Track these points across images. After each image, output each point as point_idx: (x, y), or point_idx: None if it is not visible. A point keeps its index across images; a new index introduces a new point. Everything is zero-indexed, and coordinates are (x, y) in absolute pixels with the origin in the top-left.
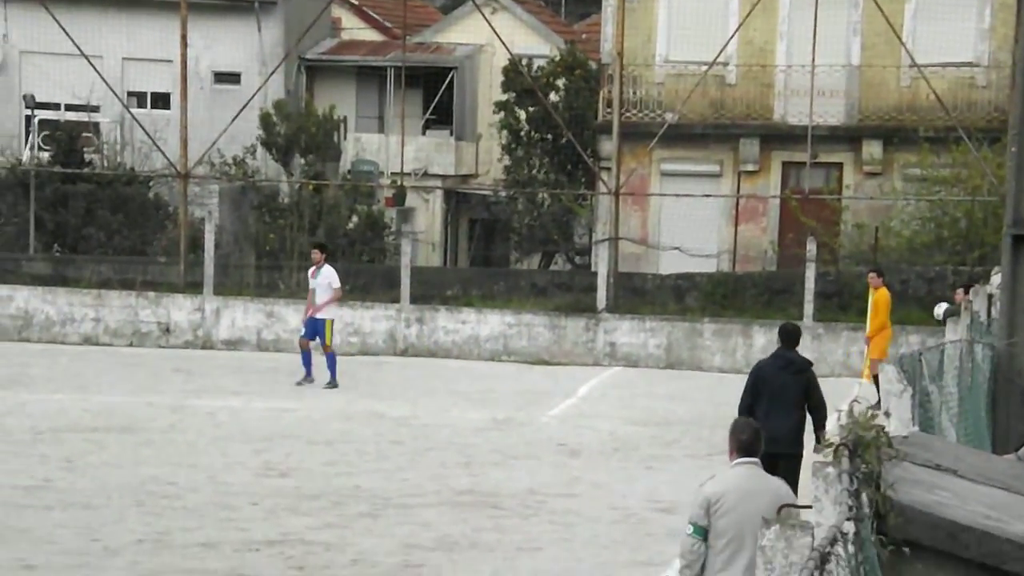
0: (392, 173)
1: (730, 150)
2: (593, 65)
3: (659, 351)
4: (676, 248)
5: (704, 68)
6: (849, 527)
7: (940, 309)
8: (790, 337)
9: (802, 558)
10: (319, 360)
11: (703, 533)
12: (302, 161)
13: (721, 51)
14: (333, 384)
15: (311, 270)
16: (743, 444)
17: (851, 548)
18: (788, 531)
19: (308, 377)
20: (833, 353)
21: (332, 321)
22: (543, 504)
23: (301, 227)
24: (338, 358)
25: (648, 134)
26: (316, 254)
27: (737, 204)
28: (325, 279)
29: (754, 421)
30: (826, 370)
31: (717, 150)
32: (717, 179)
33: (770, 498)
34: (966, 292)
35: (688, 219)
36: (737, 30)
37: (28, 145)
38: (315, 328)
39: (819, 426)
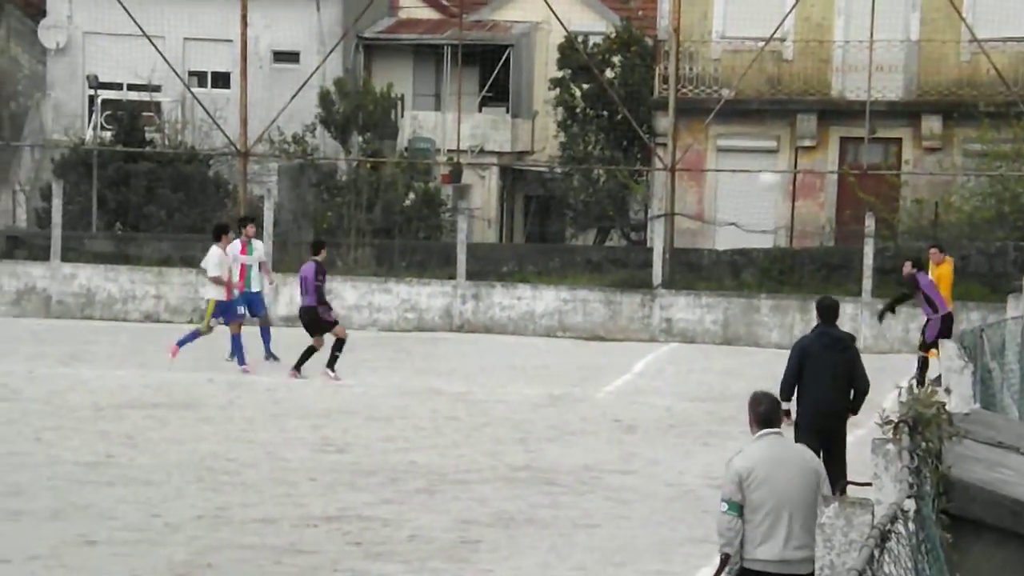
0: (448, 150)
1: (787, 126)
2: (649, 42)
3: (716, 327)
4: (732, 224)
5: (761, 44)
6: (910, 505)
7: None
8: (831, 312)
9: (862, 536)
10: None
11: (738, 509)
12: (360, 139)
13: (778, 27)
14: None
15: (240, 245)
16: (763, 415)
17: (912, 526)
18: (848, 509)
19: (273, 356)
20: (892, 329)
21: None
22: (599, 480)
23: (359, 204)
24: (394, 334)
25: (704, 110)
26: (252, 228)
27: (795, 180)
28: (259, 252)
29: (770, 392)
30: (885, 346)
31: (774, 126)
32: (774, 155)
33: (799, 465)
34: (913, 266)
35: (744, 195)
36: (795, 6)
37: (91, 125)
38: (256, 302)
39: (860, 400)
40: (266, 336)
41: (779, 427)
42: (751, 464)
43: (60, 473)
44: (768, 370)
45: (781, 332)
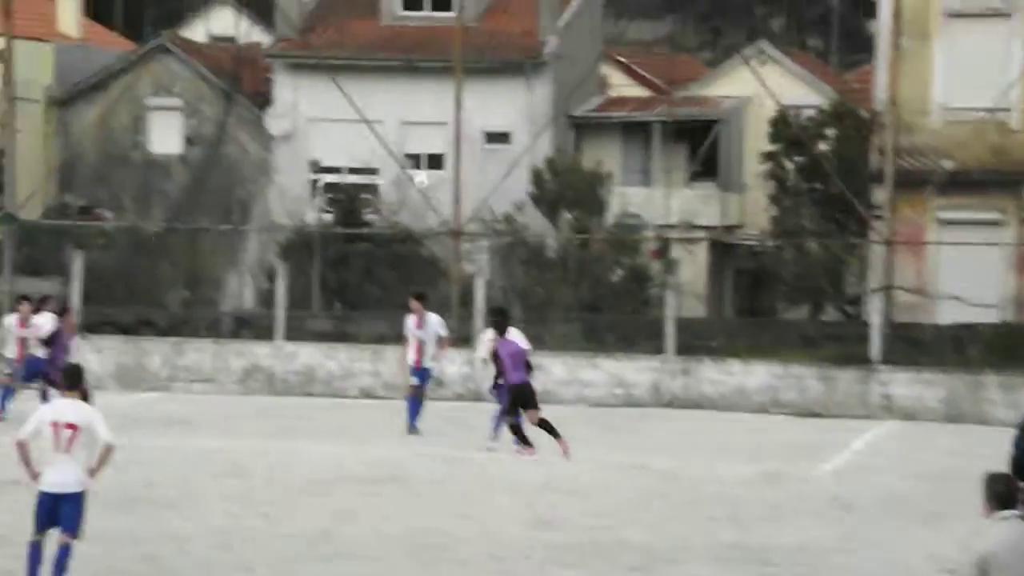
0: (657, 226)
1: (1012, 197)
2: (864, 114)
3: (939, 404)
4: (955, 298)
5: (983, 114)
6: None
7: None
8: None
9: None
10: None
11: None
12: (569, 216)
13: (1003, 96)
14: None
15: (414, 320)
16: (1001, 496)
17: None
18: None
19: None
20: None
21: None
22: (817, 560)
23: (567, 280)
24: (602, 409)
25: (923, 182)
26: (418, 303)
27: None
28: (433, 328)
29: (1007, 472)
30: None
31: (998, 197)
32: (999, 227)
33: None
34: None
35: (967, 268)
36: (1021, 75)
37: (313, 208)
38: (421, 375)
39: None
40: (416, 407)
41: (1017, 508)
42: (993, 547)
43: (285, 548)
44: (997, 449)
45: (1010, 410)
